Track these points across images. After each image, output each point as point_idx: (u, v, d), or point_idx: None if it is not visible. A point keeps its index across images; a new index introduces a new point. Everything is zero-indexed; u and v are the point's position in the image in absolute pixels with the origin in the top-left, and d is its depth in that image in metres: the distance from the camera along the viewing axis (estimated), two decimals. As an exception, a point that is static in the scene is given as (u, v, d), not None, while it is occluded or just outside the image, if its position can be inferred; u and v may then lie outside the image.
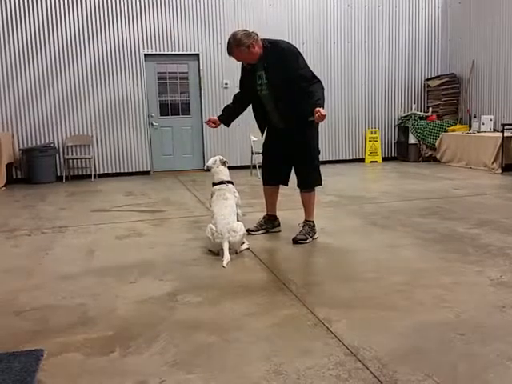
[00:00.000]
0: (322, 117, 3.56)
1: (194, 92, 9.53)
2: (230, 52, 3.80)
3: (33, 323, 2.58)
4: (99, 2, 8.79)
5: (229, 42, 3.77)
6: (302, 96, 3.76)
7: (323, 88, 3.84)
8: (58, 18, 8.66)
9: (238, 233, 3.66)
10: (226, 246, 3.56)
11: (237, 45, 3.71)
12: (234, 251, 3.70)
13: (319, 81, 3.84)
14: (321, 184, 4.14)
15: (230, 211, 3.78)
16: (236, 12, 9.36)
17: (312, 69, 3.89)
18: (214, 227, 3.67)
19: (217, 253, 3.69)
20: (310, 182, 4.08)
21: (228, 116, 4.20)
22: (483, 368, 1.99)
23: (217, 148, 9.43)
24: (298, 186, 4.10)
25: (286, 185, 4.25)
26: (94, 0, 8.75)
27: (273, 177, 4.25)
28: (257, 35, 3.78)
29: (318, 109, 3.59)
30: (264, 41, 3.83)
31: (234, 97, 4.22)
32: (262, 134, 4.29)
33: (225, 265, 3.43)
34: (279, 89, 3.85)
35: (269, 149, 4.24)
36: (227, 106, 4.24)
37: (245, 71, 4.05)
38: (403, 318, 2.50)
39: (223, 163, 4.08)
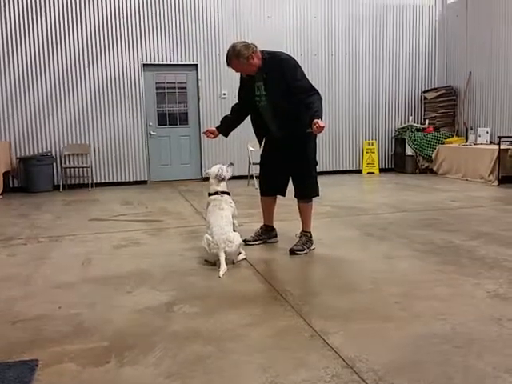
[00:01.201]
0: (321, 128, 3.56)
1: (192, 102, 9.57)
2: (229, 63, 3.83)
3: (28, 333, 2.56)
4: (99, 12, 8.84)
5: (228, 53, 3.80)
6: (301, 107, 3.78)
7: (321, 99, 3.85)
8: (56, 28, 8.70)
9: (234, 243, 3.66)
10: (222, 257, 3.56)
11: (236, 56, 3.74)
12: (231, 261, 3.70)
13: (317, 92, 3.85)
14: (318, 195, 4.14)
15: (226, 221, 3.77)
16: (234, 23, 9.43)
17: (309, 80, 3.92)
18: (210, 237, 3.67)
19: (214, 263, 3.68)
20: (307, 192, 4.09)
21: (226, 127, 4.21)
22: (479, 380, 1.99)
23: (214, 158, 9.43)
24: (296, 196, 4.11)
25: (284, 195, 4.26)
26: (93, 10, 8.81)
27: (270, 187, 4.26)
28: (256, 47, 3.81)
29: (316, 120, 3.59)
30: (263, 52, 3.86)
31: (232, 108, 4.24)
32: (260, 144, 4.30)
33: (221, 275, 3.42)
34: (278, 100, 3.87)
35: (267, 159, 4.25)
36: (225, 116, 4.25)
37: (243, 82, 4.08)
38: (400, 329, 2.49)
39: (221, 179, 3.98)
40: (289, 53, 4.05)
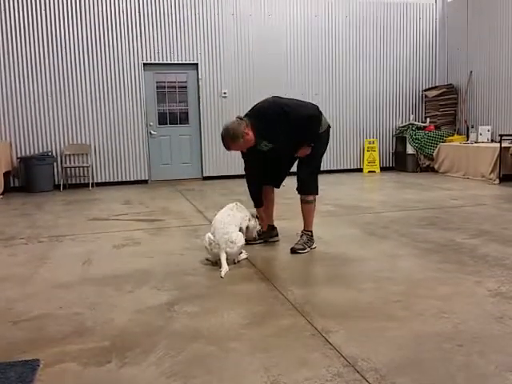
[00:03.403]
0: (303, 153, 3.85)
1: (193, 101, 9.56)
2: (228, 147, 3.78)
3: (29, 333, 2.56)
4: (99, 12, 8.84)
5: (223, 139, 3.74)
6: (310, 127, 3.86)
7: (317, 120, 3.92)
8: (56, 28, 8.70)
9: (235, 244, 3.63)
10: (223, 257, 3.55)
11: (231, 139, 3.69)
12: (232, 261, 3.69)
13: (313, 113, 3.89)
14: (317, 193, 4.14)
15: (231, 221, 3.73)
16: (235, 22, 9.41)
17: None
18: (212, 236, 3.65)
19: (215, 262, 3.67)
20: (310, 186, 4.07)
21: (262, 198, 4.22)
22: (482, 379, 1.98)
23: (215, 157, 9.45)
24: (298, 189, 4.07)
25: (278, 187, 4.30)
26: (93, 10, 8.81)
27: (268, 182, 4.27)
28: (244, 120, 3.73)
29: (305, 147, 3.86)
30: (249, 118, 3.78)
31: (249, 180, 4.23)
32: (279, 186, 4.31)
33: (223, 275, 3.41)
34: (287, 142, 3.88)
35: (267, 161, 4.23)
36: (253, 194, 4.21)
37: (245, 154, 4.04)
38: (402, 328, 2.49)
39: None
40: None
